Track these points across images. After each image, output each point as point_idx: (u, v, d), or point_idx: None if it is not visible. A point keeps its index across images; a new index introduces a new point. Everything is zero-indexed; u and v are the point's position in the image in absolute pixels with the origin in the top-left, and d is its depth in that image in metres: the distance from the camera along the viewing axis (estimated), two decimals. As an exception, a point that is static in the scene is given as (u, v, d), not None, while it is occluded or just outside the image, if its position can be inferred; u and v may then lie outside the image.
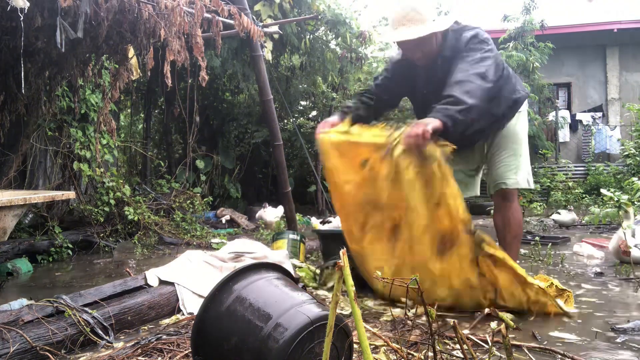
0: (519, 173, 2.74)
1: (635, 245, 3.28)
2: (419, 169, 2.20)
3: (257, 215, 6.24)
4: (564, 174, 9.58)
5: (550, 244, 4.18)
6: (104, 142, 5.54)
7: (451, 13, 12.68)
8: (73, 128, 5.26)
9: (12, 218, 3.04)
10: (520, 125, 2.78)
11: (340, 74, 8.32)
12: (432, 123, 2.18)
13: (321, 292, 2.79)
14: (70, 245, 4.44)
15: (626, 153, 9.42)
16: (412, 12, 2.45)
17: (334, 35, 8.03)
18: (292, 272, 2.65)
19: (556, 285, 2.41)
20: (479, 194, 3.08)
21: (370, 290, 2.61)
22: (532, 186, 2.86)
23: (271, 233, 4.88)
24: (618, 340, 1.98)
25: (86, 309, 2.17)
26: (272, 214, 6.05)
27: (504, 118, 2.71)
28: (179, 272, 2.71)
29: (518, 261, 2.61)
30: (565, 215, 5.66)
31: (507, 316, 2.18)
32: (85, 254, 4.61)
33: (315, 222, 5.21)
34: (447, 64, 2.49)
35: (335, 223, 4.72)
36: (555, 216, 5.68)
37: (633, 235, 3.39)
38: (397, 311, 2.33)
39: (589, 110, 12.06)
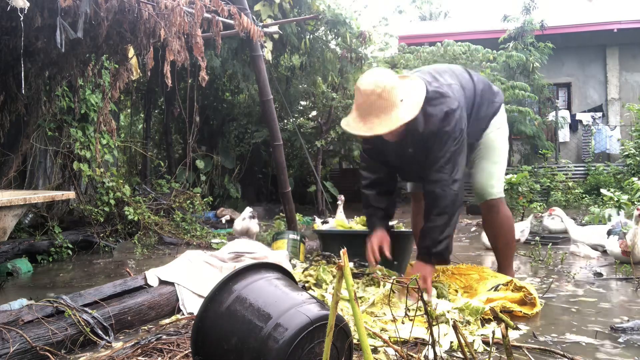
0: (500, 181, 2.79)
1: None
2: None
3: (238, 226, 4.85)
4: (564, 174, 9.58)
5: (550, 244, 4.19)
6: (104, 142, 5.54)
7: (450, 14, 12.65)
8: (73, 128, 5.26)
9: (12, 218, 3.04)
10: (495, 134, 2.78)
11: (340, 74, 8.32)
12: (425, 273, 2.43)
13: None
14: (70, 245, 4.44)
15: (626, 153, 9.43)
16: (379, 101, 2.27)
17: (334, 35, 8.04)
18: (292, 272, 2.65)
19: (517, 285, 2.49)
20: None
21: None
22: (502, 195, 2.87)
23: (271, 233, 4.88)
24: (618, 339, 1.98)
25: (86, 309, 2.17)
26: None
27: (476, 135, 2.75)
28: (179, 272, 2.71)
29: (516, 262, 2.63)
30: (556, 223, 5.08)
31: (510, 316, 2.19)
32: (85, 254, 4.61)
33: (318, 222, 5.21)
34: (417, 138, 2.46)
35: (333, 223, 4.73)
36: (546, 221, 5.20)
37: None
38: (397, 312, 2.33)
39: (589, 110, 12.06)
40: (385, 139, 2.48)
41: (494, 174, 2.77)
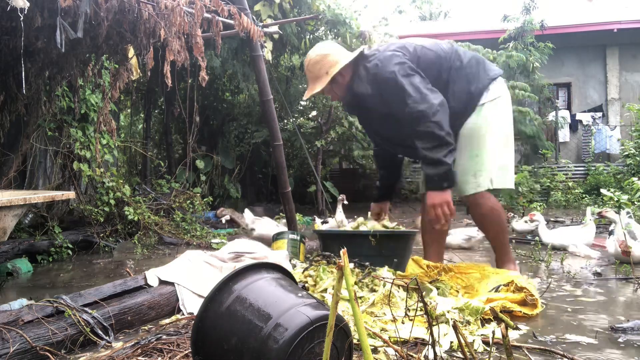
0: (478, 175, 2.64)
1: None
2: None
3: (249, 222, 4.84)
4: (564, 174, 9.59)
5: (550, 244, 4.19)
6: (104, 142, 5.54)
7: (450, 14, 12.67)
8: (73, 128, 5.26)
9: (12, 218, 3.04)
10: (480, 120, 2.64)
11: (340, 74, 8.31)
12: (443, 199, 2.51)
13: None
14: (70, 245, 4.44)
15: (626, 153, 9.43)
16: (308, 73, 2.80)
17: (334, 35, 8.03)
18: (292, 272, 2.66)
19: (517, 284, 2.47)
20: None
21: None
22: (503, 185, 2.71)
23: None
24: (618, 339, 1.98)
25: (86, 309, 2.17)
26: (266, 226, 4.75)
27: (460, 116, 2.63)
28: (179, 272, 2.71)
29: (518, 262, 2.63)
30: (522, 224, 5.00)
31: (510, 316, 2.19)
32: (85, 254, 4.61)
33: (318, 222, 5.20)
34: (360, 96, 2.68)
35: (332, 223, 4.74)
36: (514, 223, 5.08)
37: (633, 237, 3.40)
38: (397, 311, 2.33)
39: (589, 110, 12.07)
40: (342, 104, 2.95)
41: (470, 168, 2.65)
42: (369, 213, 3.28)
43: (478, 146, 2.65)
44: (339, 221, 4.57)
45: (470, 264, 3.07)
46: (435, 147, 2.45)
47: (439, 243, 3.06)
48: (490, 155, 2.66)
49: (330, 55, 2.71)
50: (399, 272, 2.84)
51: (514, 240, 4.60)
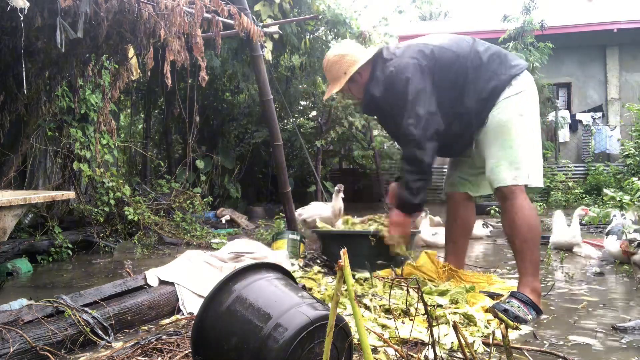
0: (516, 166, 2.41)
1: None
2: None
3: (303, 212, 4.85)
4: (564, 174, 9.58)
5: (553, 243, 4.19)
6: (104, 142, 5.53)
7: (450, 14, 12.65)
8: (73, 128, 5.25)
9: (12, 218, 3.04)
10: (506, 113, 2.46)
11: (340, 74, 8.31)
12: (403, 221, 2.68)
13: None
14: (70, 245, 4.44)
15: (626, 153, 9.43)
16: (327, 74, 2.81)
17: (334, 35, 8.03)
18: (291, 272, 2.66)
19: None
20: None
21: None
22: (537, 183, 2.46)
23: (271, 233, 4.88)
24: (620, 339, 1.98)
25: (86, 309, 2.17)
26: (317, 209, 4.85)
27: (480, 114, 2.51)
28: (179, 272, 2.71)
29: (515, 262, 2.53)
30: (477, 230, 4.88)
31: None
32: (85, 254, 4.60)
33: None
34: (376, 99, 2.68)
35: (326, 210, 4.74)
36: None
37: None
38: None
39: (589, 110, 12.06)
40: (358, 100, 2.86)
41: (503, 159, 2.43)
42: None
43: (510, 138, 2.45)
44: (337, 209, 4.56)
45: (475, 273, 3.04)
46: (415, 173, 2.53)
47: (458, 247, 2.92)
48: (525, 148, 2.45)
49: (348, 55, 2.70)
50: (409, 263, 2.86)
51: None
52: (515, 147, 2.43)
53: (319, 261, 3.40)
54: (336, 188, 4.69)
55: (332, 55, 2.75)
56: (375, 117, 3.10)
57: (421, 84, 2.50)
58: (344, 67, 2.69)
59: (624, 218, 3.53)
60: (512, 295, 2.36)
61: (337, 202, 4.59)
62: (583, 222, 5.69)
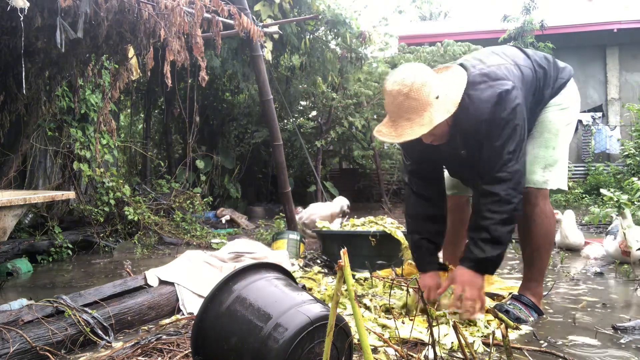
0: (550, 169, 2.28)
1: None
2: None
3: (303, 215, 4.79)
4: (564, 174, 9.57)
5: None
6: (104, 142, 5.54)
7: (450, 14, 12.62)
8: (73, 128, 5.26)
9: (12, 218, 3.04)
10: (557, 112, 2.31)
11: (340, 74, 8.32)
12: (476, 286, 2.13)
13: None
14: (70, 245, 4.44)
15: (626, 153, 9.43)
16: (407, 101, 2.01)
17: (334, 35, 8.03)
18: (291, 272, 2.66)
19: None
20: None
21: None
22: (564, 186, 2.35)
23: (271, 233, 4.88)
24: (620, 339, 1.98)
25: (86, 309, 2.17)
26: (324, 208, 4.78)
27: (532, 113, 2.29)
28: (179, 272, 2.71)
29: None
30: None
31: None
32: (85, 254, 4.61)
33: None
34: (466, 134, 2.14)
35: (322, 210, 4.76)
36: None
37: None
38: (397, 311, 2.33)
39: (589, 110, 12.06)
40: (434, 144, 2.18)
41: (541, 159, 2.27)
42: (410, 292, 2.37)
43: (556, 139, 2.30)
44: (335, 214, 4.57)
45: None
46: (504, 214, 2.07)
47: (458, 248, 2.71)
48: (562, 152, 2.33)
49: (433, 76, 2.09)
50: (410, 262, 2.81)
51: (513, 240, 4.60)
52: (557, 149, 2.31)
53: (319, 261, 3.41)
54: (345, 209, 4.68)
55: (417, 76, 2.03)
56: (464, 151, 2.26)
57: (523, 116, 2.10)
58: (435, 90, 2.03)
59: (617, 218, 3.52)
60: (514, 298, 2.35)
61: (335, 207, 4.61)
62: (583, 222, 5.72)
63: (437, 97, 2.02)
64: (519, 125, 2.07)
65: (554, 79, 2.31)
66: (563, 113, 2.32)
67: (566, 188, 2.39)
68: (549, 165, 2.28)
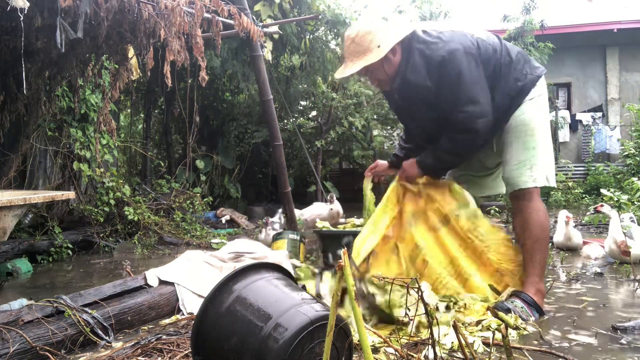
0: (535, 169, 2.41)
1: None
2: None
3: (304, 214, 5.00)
4: (564, 174, 9.58)
5: (550, 243, 4.19)
6: (104, 142, 5.54)
7: (450, 14, 12.62)
8: (73, 128, 5.26)
9: (12, 218, 3.04)
10: (530, 113, 2.44)
11: (340, 74, 8.31)
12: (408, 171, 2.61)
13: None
14: (70, 245, 4.44)
15: (626, 153, 9.42)
16: (352, 45, 2.37)
17: (334, 35, 8.03)
18: (292, 272, 2.66)
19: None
20: (504, 191, 2.75)
21: None
22: (553, 183, 2.48)
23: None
24: (620, 339, 1.98)
25: (86, 309, 2.17)
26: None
27: (507, 112, 2.45)
28: (179, 272, 2.71)
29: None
30: None
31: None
32: (85, 254, 4.61)
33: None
34: (412, 85, 2.41)
35: (321, 209, 4.77)
36: None
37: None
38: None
39: (589, 110, 12.07)
40: (382, 88, 2.58)
41: (525, 162, 2.41)
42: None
43: (533, 139, 2.43)
44: (335, 212, 4.58)
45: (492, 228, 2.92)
46: (461, 143, 2.43)
47: None
48: (544, 150, 2.46)
49: (380, 28, 2.37)
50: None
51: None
52: (537, 148, 2.42)
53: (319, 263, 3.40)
54: (328, 197, 4.74)
55: (363, 25, 2.39)
56: (399, 104, 2.62)
57: (477, 72, 2.34)
58: (378, 39, 2.34)
59: (632, 220, 3.52)
60: (516, 294, 2.32)
61: (335, 205, 4.62)
62: (583, 222, 5.72)
63: (378, 46, 2.34)
64: (469, 72, 2.31)
65: (522, 72, 2.45)
66: (537, 113, 2.46)
67: (554, 184, 2.51)
68: (534, 165, 2.41)
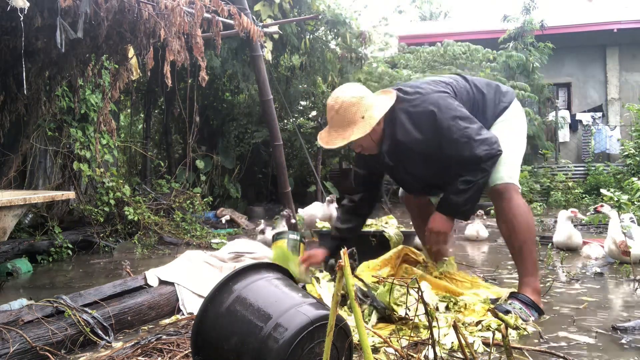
0: (508, 167, 2.46)
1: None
2: None
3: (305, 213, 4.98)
4: (563, 174, 9.59)
5: (550, 244, 4.19)
6: (104, 142, 5.54)
7: (450, 14, 12.63)
8: (73, 128, 5.26)
9: (12, 218, 3.04)
10: (502, 124, 2.54)
11: (340, 74, 8.33)
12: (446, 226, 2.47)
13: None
14: (70, 245, 4.44)
15: (626, 153, 9.43)
16: (337, 117, 2.37)
17: (334, 35, 8.04)
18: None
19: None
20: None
21: None
22: (516, 182, 2.50)
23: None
24: (620, 339, 1.98)
25: (86, 309, 2.17)
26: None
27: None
28: (179, 272, 2.71)
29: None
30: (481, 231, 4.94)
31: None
32: (85, 254, 4.61)
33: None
34: (403, 144, 2.43)
35: (318, 210, 4.76)
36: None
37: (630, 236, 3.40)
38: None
39: (589, 110, 12.07)
40: (365, 153, 2.55)
41: (500, 159, 2.43)
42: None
43: (504, 143, 2.45)
44: (327, 216, 4.56)
45: (462, 273, 2.96)
46: (480, 174, 2.35)
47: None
48: (514, 153, 2.53)
49: (365, 98, 2.39)
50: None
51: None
52: (506, 150, 2.43)
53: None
54: (327, 198, 4.72)
55: (349, 96, 2.38)
56: (385, 167, 2.63)
57: (463, 110, 2.38)
58: (362, 111, 2.36)
59: (632, 221, 3.52)
60: (514, 296, 2.33)
61: (330, 208, 4.60)
62: (583, 222, 5.72)
63: (362, 117, 2.35)
64: (456, 113, 2.33)
65: (494, 102, 2.54)
66: (507, 124, 2.54)
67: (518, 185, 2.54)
68: (505, 163, 2.43)
